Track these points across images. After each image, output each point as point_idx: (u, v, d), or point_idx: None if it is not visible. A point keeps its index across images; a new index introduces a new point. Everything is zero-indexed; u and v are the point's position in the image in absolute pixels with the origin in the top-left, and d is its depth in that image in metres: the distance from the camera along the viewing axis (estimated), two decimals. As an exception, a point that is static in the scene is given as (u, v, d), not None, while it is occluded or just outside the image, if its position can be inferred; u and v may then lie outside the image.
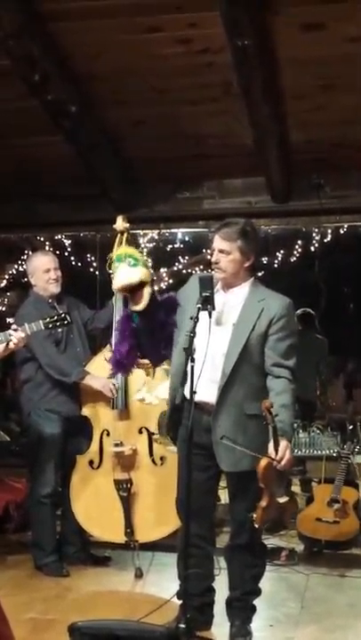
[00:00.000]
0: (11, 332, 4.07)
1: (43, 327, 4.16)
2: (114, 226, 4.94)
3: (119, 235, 4.89)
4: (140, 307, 3.81)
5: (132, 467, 4.92)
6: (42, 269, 5.04)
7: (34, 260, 5.16)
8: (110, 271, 4.06)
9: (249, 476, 3.65)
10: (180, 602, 3.78)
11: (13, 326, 4.19)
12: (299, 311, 7.20)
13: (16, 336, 3.99)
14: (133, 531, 4.90)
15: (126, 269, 3.84)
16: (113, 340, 4.44)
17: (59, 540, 5.11)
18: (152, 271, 4.26)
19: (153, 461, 4.92)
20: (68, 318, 4.11)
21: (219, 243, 3.87)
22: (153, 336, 3.94)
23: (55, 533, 5.12)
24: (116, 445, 4.90)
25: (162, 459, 4.89)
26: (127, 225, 4.93)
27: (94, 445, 5.00)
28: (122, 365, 4.09)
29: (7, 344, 3.97)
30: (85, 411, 5.03)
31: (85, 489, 5.02)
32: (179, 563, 3.93)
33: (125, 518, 4.90)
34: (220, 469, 3.90)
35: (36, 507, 5.07)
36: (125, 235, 4.88)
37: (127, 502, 4.89)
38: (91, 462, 5.00)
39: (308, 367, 7.13)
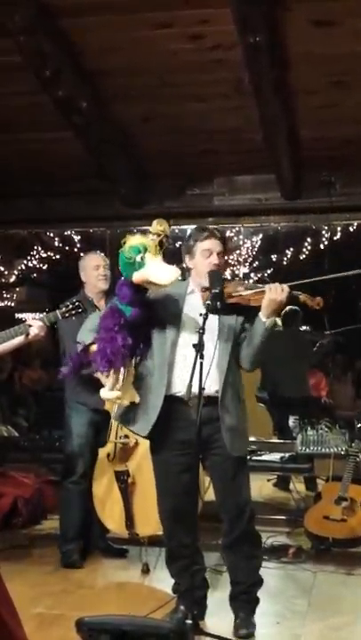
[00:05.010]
0: (30, 322, 4.11)
1: (60, 317, 4.21)
2: (149, 228, 4.84)
3: (155, 237, 4.78)
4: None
5: (129, 458, 4.96)
6: (91, 266, 5.21)
7: (85, 259, 5.35)
8: (127, 260, 3.91)
9: (243, 461, 3.87)
10: (178, 596, 3.88)
11: (38, 315, 4.25)
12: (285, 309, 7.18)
13: (36, 326, 4.02)
14: (133, 523, 4.93)
15: (160, 265, 3.83)
16: (99, 334, 4.18)
17: (82, 530, 5.16)
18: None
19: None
20: (82, 307, 4.16)
21: (219, 245, 3.91)
22: (140, 331, 3.88)
23: (78, 522, 5.16)
24: (121, 438, 4.96)
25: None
26: (161, 228, 4.74)
27: (111, 438, 5.06)
28: (114, 359, 4.00)
29: (27, 335, 4.00)
30: (107, 404, 5.05)
31: (101, 481, 5.07)
32: (169, 563, 4.04)
33: (125, 510, 4.94)
34: (199, 468, 3.95)
35: (62, 494, 5.24)
36: (162, 237, 4.72)
37: (126, 494, 4.94)
38: (108, 455, 5.06)
39: (299, 364, 7.27)
